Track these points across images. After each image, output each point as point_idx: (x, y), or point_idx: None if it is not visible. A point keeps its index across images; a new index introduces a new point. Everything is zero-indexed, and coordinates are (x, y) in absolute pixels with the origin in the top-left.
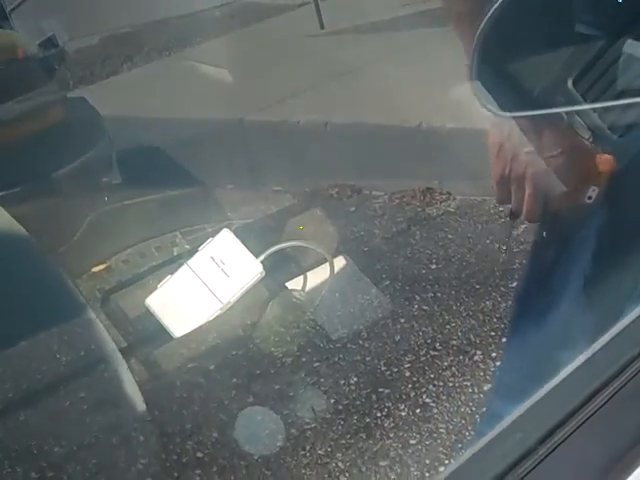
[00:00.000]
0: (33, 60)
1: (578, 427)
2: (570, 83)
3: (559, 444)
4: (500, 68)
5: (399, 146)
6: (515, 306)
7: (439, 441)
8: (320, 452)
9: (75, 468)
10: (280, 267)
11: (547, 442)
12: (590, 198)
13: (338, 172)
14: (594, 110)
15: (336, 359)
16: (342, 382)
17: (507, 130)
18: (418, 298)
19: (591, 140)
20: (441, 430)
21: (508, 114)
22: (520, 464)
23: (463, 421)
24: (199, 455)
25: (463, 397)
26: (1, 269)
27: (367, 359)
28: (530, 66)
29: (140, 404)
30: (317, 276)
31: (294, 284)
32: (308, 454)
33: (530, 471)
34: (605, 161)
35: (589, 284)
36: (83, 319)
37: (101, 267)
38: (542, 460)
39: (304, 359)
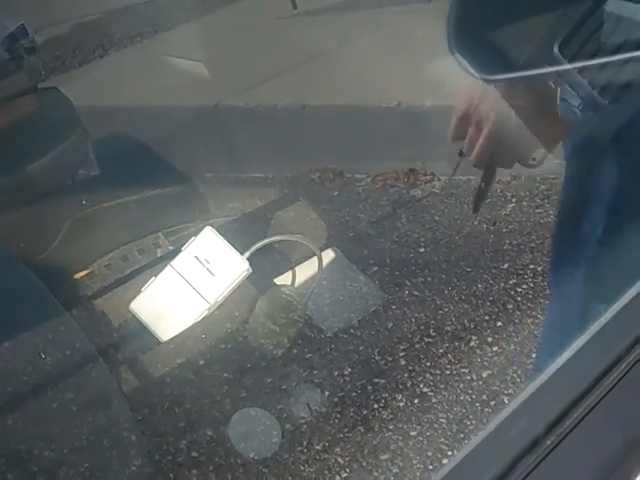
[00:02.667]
0: (4, 49)
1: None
2: (556, 48)
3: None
4: (481, 37)
5: (379, 127)
6: (551, 256)
7: (440, 432)
8: (318, 447)
9: (67, 472)
10: (267, 263)
11: (554, 431)
12: (534, 160)
13: (319, 156)
14: (583, 76)
15: (328, 349)
16: (336, 373)
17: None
18: (408, 283)
19: (581, 107)
20: (441, 420)
21: (493, 77)
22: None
23: (464, 410)
24: (194, 454)
25: (462, 385)
26: None
27: (360, 349)
28: (513, 33)
29: (124, 407)
30: (306, 270)
31: (283, 279)
32: (305, 450)
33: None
34: (557, 129)
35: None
36: (58, 321)
37: (83, 273)
38: (550, 452)
39: (295, 351)
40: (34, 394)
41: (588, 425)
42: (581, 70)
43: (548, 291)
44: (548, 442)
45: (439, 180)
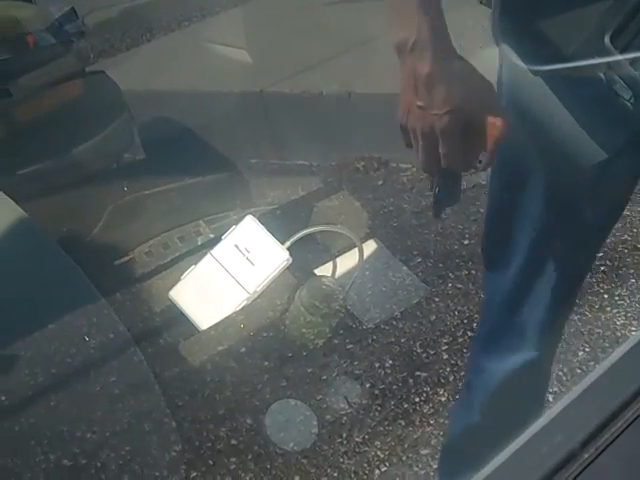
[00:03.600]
0: (51, 33)
1: (626, 428)
2: (607, 39)
3: (605, 447)
4: (529, 27)
5: None
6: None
7: None
8: (357, 440)
9: (108, 454)
10: (308, 253)
11: (591, 445)
12: (480, 162)
13: (364, 144)
14: (635, 68)
15: (369, 341)
16: (377, 365)
17: (411, 76)
18: (452, 276)
19: (632, 101)
20: None
21: (541, 69)
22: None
23: None
24: (234, 442)
25: None
26: (8, 256)
27: (402, 341)
28: (562, 23)
29: (157, 394)
30: (347, 261)
31: (323, 270)
32: (345, 442)
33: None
34: (493, 125)
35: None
36: (94, 307)
37: (124, 260)
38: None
39: (336, 341)
40: (76, 377)
41: (626, 440)
42: (633, 62)
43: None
44: (585, 456)
45: (485, 171)
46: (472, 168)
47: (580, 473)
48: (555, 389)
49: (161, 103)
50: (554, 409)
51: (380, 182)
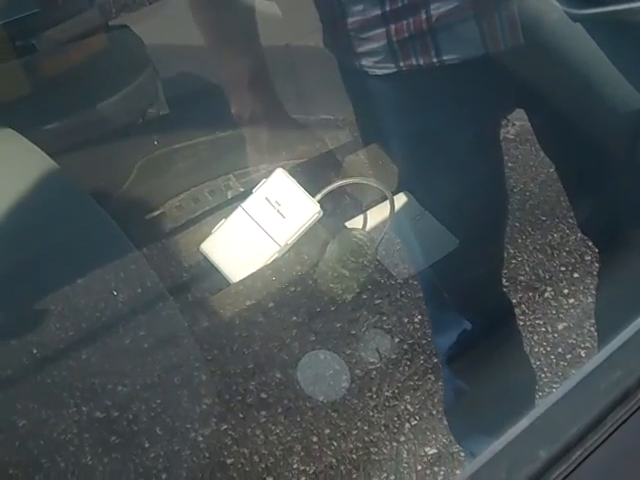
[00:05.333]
0: None
1: None
2: None
3: None
4: None
5: None
6: None
7: None
8: (387, 394)
9: (140, 407)
10: (339, 206)
11: None
12: None
13: None
14: None
15: (398, 296)
16: (406, 320)
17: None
18: None
19: None
20: None
21: (582, 12)
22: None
23: (538, 362)
24: (263, 396)
25: (536, 337)
26: (43, 209)
27: None
28: None
29: (194, 346)
30: (378, 214)
31: (354, 223)
32: (375, 396)
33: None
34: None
35: None
36: (130, 260)
37: (154, 214)
38: None
39: (365, 296)
40: (107, 330)
41: None
42: None
43: None
44: None
45: (513, 125)
46: None
47: (638, 409)
48: (587, 344)
49: (185, 58)
50: (612, 344)
51: None
